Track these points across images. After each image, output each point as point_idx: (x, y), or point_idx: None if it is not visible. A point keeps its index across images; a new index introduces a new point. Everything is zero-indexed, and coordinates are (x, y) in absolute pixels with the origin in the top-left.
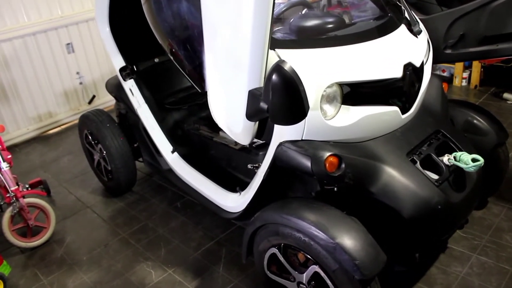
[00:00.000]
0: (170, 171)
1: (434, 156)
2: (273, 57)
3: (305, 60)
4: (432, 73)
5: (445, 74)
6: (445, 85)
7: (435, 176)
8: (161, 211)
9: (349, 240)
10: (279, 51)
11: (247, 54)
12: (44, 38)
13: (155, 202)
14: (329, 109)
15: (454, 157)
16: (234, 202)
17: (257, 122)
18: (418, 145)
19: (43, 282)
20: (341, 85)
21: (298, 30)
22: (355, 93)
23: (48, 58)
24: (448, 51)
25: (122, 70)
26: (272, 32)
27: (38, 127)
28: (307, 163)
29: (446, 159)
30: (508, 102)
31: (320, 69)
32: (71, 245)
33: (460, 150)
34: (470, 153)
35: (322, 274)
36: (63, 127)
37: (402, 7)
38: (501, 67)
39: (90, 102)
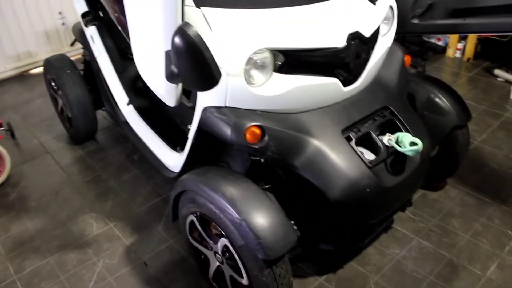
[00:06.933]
0: (127, 123)
1: (373, 134)
2: (198, 16)
3: (233, 21)
4: (394, 44)
5: (440, 43)
6: (407, 58)
7: (371, 157)
8: (117, 163)
9: (256, 218)
10: (206, 9)
11: (161, 10)
12: None
13: (114, 153)
14: (258, 76)
15: (397, 138)
16: (174, 161)
17: (180, 84)
18: (359, 121)
19: None
20: (273, 51)
21: None
22: (290, 61)
23: None
24: (415, 21)
25: (84, 15)
26: None
27: (17, 67)
28: (228, 131)
29: (386, 139)
30: (499, 79)
31: (248, 32)
32: (24, 190)
33: (407, 131)
34: (416, 135)
35: (231, 248)
36: (43, 68)
37: None
38: (497, 41)
39: (72, 44)
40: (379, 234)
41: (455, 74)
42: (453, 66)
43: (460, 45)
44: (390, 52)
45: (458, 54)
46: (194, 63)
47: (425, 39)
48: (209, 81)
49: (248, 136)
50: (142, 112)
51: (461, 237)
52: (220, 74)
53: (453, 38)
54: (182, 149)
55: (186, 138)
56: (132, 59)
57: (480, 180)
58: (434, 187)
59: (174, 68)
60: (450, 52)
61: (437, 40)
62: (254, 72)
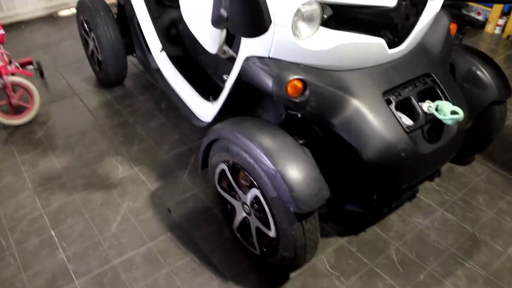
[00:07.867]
0: (158, 70)
1: (413, 100)
2: None
3: None
4: (441, 11)
5: (479, 17)
6: (453, 26)
7: (409, 122)
8: (145, 109)
9: (291, 170)
10: None
11: None
12: None
13: (142, 100)
14: (305, 28)
15: (437, 106)
16: (206, 110)
17: (225, 30)
18: (400, 85)
19: (16, 159)
20: (322, 4)
21: None
22: (338, 16)
23: None
24: None
25: None
26: None
27: (47, 7)
28: (269, 82)
29: (426, 106)
30: None
31: None
32: (51, 129)
33: (446, 100)
34: (456, 104)
35: (262, 199)
36: (72, 10)
37: None
38: None
39: None
40: (403, 202)
41: (492, 51)
42: (491, 43)
43: (501, 21)
44: (436, 19)
45: (497, 31)
46: (246, 5)
47: (465, 12)
48: (259, 26)
49: (289, 89)
50: (175, 61)
51: (485, 213)
52: (270, 21)
53: (494, 13)
54: (215, 98)
55: (217, 90)
56: (167, 6)
57: (508, 159)
58: (461, 161)
59: (223, 12)
60: (489, 28)
61: (476, 15)
62: (301, 24)
